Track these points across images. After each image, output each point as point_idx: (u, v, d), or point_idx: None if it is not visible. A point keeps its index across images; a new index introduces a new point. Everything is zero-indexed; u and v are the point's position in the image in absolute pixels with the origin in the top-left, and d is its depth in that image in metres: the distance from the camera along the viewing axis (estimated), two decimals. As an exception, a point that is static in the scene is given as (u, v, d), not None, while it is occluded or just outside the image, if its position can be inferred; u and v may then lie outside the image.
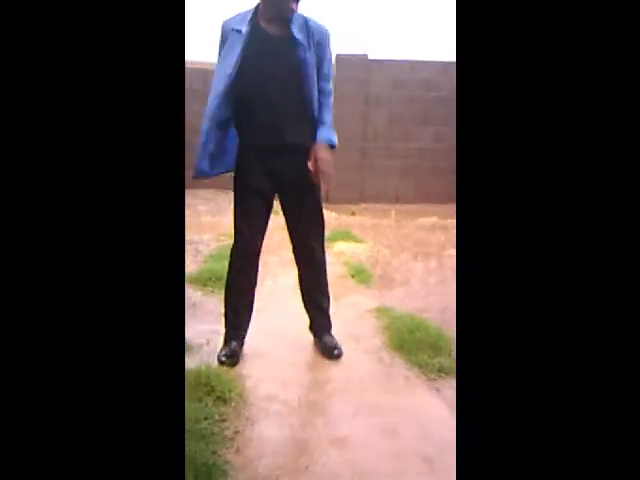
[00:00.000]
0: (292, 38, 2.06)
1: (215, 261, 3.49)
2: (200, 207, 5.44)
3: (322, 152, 2.11)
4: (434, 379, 2.18)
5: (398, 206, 6.00)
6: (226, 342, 2.28)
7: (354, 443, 1.78)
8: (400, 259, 4.07)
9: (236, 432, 1.78)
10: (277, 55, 2.09)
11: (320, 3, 2.10)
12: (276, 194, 2.26)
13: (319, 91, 2.14)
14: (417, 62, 6.41)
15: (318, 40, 2.10)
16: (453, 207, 4.86)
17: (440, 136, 6.73)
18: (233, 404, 1.92)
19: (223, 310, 2.33)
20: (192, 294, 2.92)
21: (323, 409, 1.98)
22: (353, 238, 4.38)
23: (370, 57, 6.20)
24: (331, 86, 2.20)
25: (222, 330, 2.32)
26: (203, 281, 3.14)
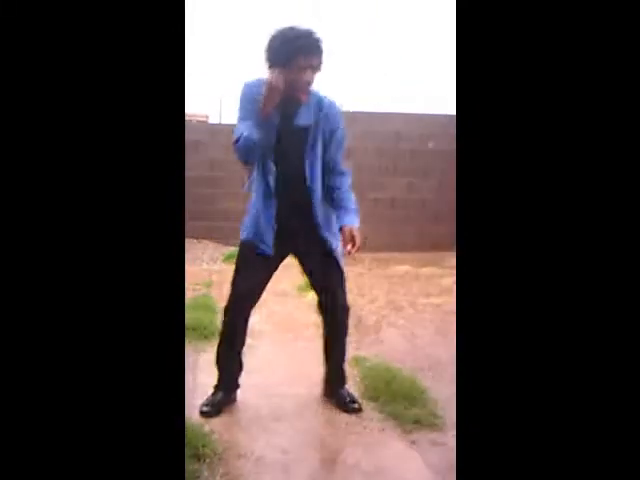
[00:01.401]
0: (296, 125, 2.10)
1: (191, 311, 3.46)
2: (174, 256, 5.41)
3: (354, 233, 2.14)
4: (410, 431, 2.18)
5: (371, 255, 6.06)
6: (214, 392, 2.32)
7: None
8: (374, 307, 4.09)
9: (210, 490, 1.74)
10: (286, 139, 2.11)
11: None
12: (286, 256, 2.29)
13: (333, 172, 2.20)
14: (387, 114, 6.64)
15: (330, 120, 2.13)
16: (425, 255, 4.95)
17: (412, 187, 6.91)
18: (207, 460, 1.88)
19: (216, 363, 2.36)
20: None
21: (298, 462, 1.95)
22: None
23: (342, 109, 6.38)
24: (344, 167, 2.24)
25: (202, 381, 2.29)
26: (177, 332, 3.10)
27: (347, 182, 2.25)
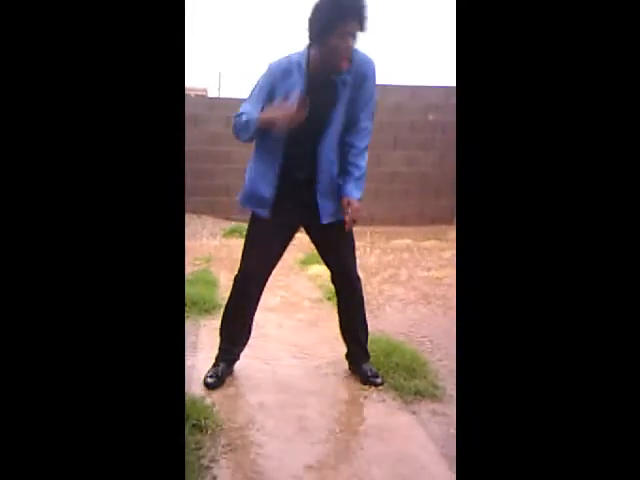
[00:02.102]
0: (334, 82, 2.04)
1: (190, 286, 3.46)
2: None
3: (354, 204, 2.09)
4: (410, 402, 2.19)
5: (372, 228, 6.05)
6: (215, 364, 2.31)
7: (328, 469, 1.77)
8: (375, 281, 4.10)
9: (213, 461, 1.76)
10: (318, 94, 2.03)
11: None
12: (297, 226, 2.25)
13: (353, 128, 2.10)
14: (387, 86, 6.56)
15: (360, 74, 2.06)
16: (426, 229, 4.94)
17: (412, 160, 6.87)
18: (209, 432, 1.90)
19: (219, 333, 2.35)
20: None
21: (298, 434, 1.97)
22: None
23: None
24: (369, 124, 2.14)
25: (202, 356, 2.30)
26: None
27: (363, 141, 2.14)
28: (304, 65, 2.05)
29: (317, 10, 1.96)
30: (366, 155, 2.16)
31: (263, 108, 2.04)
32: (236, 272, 2.28)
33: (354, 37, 1.97)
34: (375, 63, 2.11)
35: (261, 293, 2.30)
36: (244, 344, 2.36)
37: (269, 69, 2.09)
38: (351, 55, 2.00)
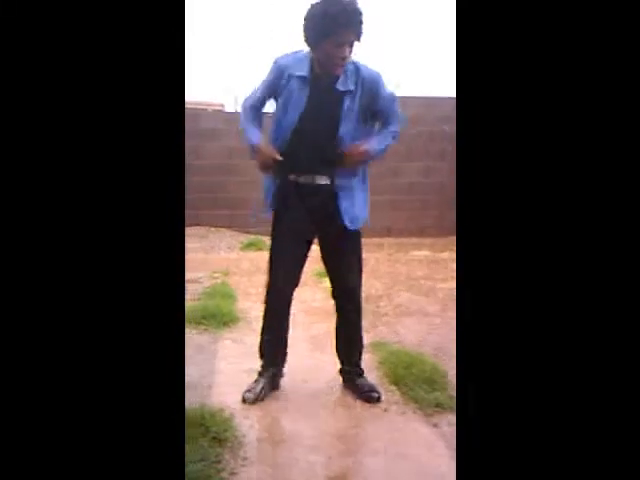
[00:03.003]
0: (336, 90, 2.08)
1: (209, 298, 3.48)
2: (193, 244, 5.45)
3: (364, 146, 2.12)
4: (431, 414, 2.17)
5: (390, 239, 6.03)
6: (256, 380, 2.30)
7: (352, 482, 1.75)
8: (393, 293, 4.08)
9: (232, 474, 1.75)
10: (323, 104, 2.10)
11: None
12: (316, 236, 2.27)
13: (381, 121, 2.18)
14: (402, 98, 6.55)
15: (369, 87, 2.10)
16: (444, 240, 4.91)
17: (428, 171, 6.85)
18: (229, 445, 1.89)
19: (259, 350, 2.35)
20: (185, 333, 2.91)
21: (320, 447, 1.96)
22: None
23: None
24: (396, 127, 2.21)
25: (220, 368, 2.29)
26: (197, 319, 3.13)
27: (391, 128, 2.19)
28: (307, 68, 2.10)
29: (310, 18, 2.00)
30: (390, 139, 2.20)
31: (265, 100, 2.19)
32: (265, 287, 2.29)
33: (350, 46, 2.02)
34: (381, 75, 2.16)
35: (290, 306, 2.30)
36: (283, 358, 2.35)
37: (274, 63, 2.16)
38: (343, 65, 2.04)
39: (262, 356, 2.34)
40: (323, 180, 2.15)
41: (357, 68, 2.09)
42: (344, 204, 2.15)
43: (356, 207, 2.17)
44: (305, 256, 2.26)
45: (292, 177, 2.16)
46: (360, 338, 2.39)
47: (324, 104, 2.09)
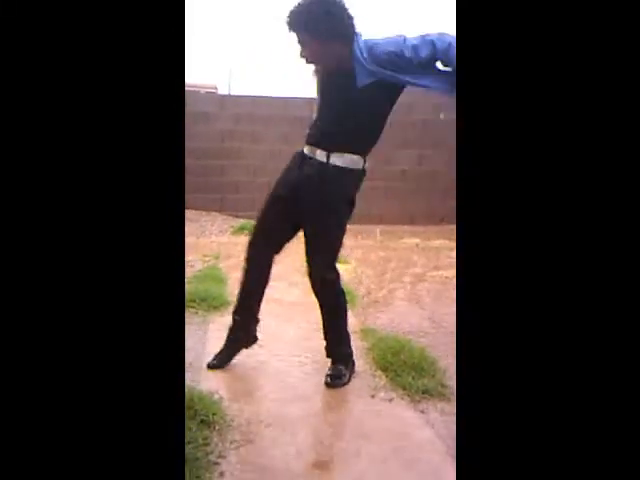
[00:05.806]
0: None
1: (199, 282, 3.48)
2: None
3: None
4: (418, 401, 2.18)
5: (382, 227, 6.04)
6: (224, 344, 2.38)
7: (338, 467, 1.77)
8: (384, 280, 4.09)
9: (220, 457, 1.76)
10: (334, 84, 2.20)
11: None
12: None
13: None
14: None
15: (371, 52, 2.11)
16: (436, 228, 4.93)
17: (422, 159, 6.84)
18: (217, 427, 1.90)
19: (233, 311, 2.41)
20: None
21: (307, 430, 1.97)
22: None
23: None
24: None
25: (211, 351, 2.34)
26: (187, 303, 3.12)
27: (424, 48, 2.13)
28: None
29: (338, 15, 2.07)
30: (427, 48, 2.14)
31: None
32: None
33: (303, 45, 2.08)
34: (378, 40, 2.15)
35: (269, 269, 2.32)
36: (252, 324, 2.38)
37: None
38: (309, 62, 2.12)
39: (234, 312, 2.39)
40: (323, 156, 2.18)
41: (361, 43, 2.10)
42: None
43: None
44: (290, 227, 2.28)
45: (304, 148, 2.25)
46: (346, 334, 2.38)
47: (334, 84, 2.18)
